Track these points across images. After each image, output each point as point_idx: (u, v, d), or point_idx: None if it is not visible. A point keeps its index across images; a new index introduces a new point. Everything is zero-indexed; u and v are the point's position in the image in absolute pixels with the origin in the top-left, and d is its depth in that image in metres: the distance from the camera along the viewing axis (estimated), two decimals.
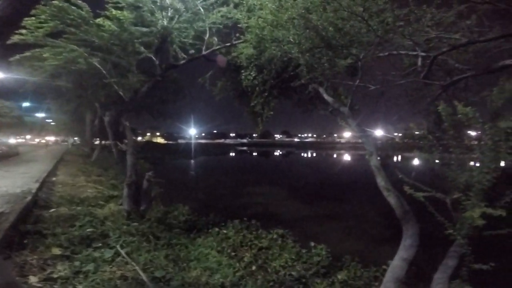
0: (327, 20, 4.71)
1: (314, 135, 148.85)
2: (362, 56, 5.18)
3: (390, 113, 6.40)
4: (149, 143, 65.48)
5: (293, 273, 5.43)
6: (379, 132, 7.44)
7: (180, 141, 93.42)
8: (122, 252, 4.57)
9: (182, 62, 8.32)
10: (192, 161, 44.52)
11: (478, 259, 3.71)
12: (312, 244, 6.62)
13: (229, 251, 6.21)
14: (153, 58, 7.78)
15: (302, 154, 66.84)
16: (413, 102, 5.68)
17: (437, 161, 4.15)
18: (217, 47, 8.09)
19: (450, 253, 4.02)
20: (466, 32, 4.60)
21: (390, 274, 4.49)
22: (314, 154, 66.93)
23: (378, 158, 5.33)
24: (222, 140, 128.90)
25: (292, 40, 5.35)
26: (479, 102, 4.20)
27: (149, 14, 7.33)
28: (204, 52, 7.98)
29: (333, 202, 14.90)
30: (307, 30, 5.02)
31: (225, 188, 18.67)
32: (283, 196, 16.37)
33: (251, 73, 6.71)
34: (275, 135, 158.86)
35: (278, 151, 79.68)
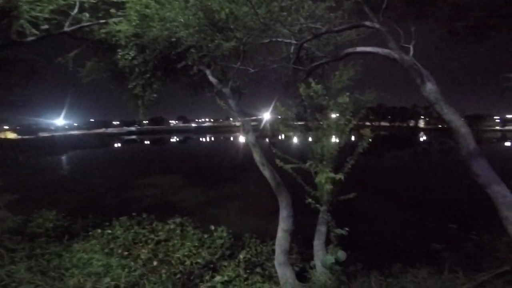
0: (220, 4, 4.76)
1: (212, 120, 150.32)
2: (244, 40, 5.36)
3: (272, 96, 7.04)
4: None
5: (199, 260, 5.37)
6: (266, 115, 8.03)
7: (42, 134, 73.94)
8: None
9: (30, 39, 6.39)
10: (63, 157, 36.05)
11: (344, 224, 4.48)
12: (212, 227, 6.68)
13: (119, 251, 5.64)
14: None
15: (200, 139, 66.46)
16: (285, 86, 6.36)
17: (310, 139, 4.78)
18: (87, 23, 6.60)
19: (319, 220, 4.69)
20: (330, 24, 5.50)
21: (278, 247, 4.90)
22: (212, 139, 67.82)
23: (267, 138, 5.77)
24: (102, 130, 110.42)
25: (183, 20, 5.13)
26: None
27: None
28: (67, 29, 6.36)
29: (230, 183, 15.58)
30: (199, 12, 4.94)
31: (109, 184, 16.46)
32: (179, 184, 15.89)
33: (130, 53, 5.91)
34: (171, 121, 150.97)
35: (175, 137, 76.15)
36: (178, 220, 7.09)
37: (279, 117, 5.04)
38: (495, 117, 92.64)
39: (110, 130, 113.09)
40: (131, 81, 6.21)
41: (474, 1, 6.77)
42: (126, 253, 5.65)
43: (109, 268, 4.76)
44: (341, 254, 4.13)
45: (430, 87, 4.68)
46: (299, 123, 4.84)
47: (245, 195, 12.85)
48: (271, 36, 5.85)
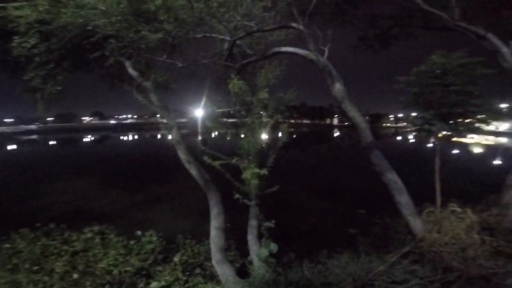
0: None
1: (135, 116, 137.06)
2: (174, 33, 5.14)
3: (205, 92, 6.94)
4: None
5: (128, 268, 5.01)
6: (199, 112, 7.86)
7: None
8: None
9: None
10: None
11: (274, 217, 4.74)
12: (139, 232, 6.25)
13: (27, 266, 4.98)
14: None
15: (122, 138, 60.02)
16: (216, 82, 6.40)
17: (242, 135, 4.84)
18: None
19: (250, 215, 4.86)
20: (264, 23, 5.75)
21: (213, 245, 4.90)
22: (136, 137, 62.11)
23: (199, 135, 5.64)
24: None
25: (104, 8, 4.65)
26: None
27: None
28: None
29: (157, 184, 14.67)
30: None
31: (4, 193, 13.49)
32: (95, 189, 14.15)
33: (30, 41, 5.00)
34: (84, 118, 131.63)
35: (89, 136, 66.71)
36: (96, 228, 6.35)
37: (210, 113, 5.02)
38: (390, 116, 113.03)
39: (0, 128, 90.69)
40: (27, 72, 5.25)
41: (383, 12, 8.14)
42: (35, 267, 5.02)
43: (18, 285, 4.35)
44: (273, 246, 4.33)
45: (338, 87, 5.42)
46: (231, 120, 4.93)
47: (175, 195, 12.32)
48: (206, 31, 5.78)
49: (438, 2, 5.73)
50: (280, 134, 4.79)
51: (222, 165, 4.64)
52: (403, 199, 5.19)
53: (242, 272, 4.70)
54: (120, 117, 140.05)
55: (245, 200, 4.62)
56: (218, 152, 4.76)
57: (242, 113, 4.61)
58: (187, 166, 5.12)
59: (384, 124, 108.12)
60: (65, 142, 53.95)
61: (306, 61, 5.60)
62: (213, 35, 5.88)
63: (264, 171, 4.37)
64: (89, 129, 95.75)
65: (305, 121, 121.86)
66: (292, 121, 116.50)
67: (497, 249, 4.39)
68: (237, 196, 4.55)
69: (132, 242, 5.92)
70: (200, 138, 5.65)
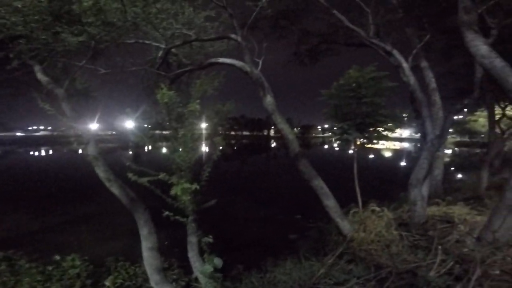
0: None
1: (49, 127, 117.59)
2: (99, 37, 4.65)
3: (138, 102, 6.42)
4: None
5: None
6: (129, 123, 7.24)
7: None
8: None
9: None
10: None
11: (218, 230, 4.60)
12: (58, 257, 5.44)
13: None
14: None
15: (31, 153, 50.56)
16: (147, 92, 6.00)
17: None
18: None
19: (188, 231, 4.63)
20: (205, 33, 5.66)
21: (148, 266, 4.53)
22: (51, 152, 53.19)
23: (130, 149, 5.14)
24: None
25: (20, 6, 3.97)
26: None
27: None
28: None
29: (78, 204, 12.82)
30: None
31: None
32: None
33: None
34: None
35: None
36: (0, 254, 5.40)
37: (139, 125, 4.60)
38: (318, 127, 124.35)
39: None
40: None
41: (314, 29, 8.92)
42: None
43: None
44: (217, 261, 4.21)
45: (269, 99, 5.70)
46: (166, 132, 4.63)
47: (101, 215, 10.95)
48: (139, 37, 5.40)
49: (358, 20, 6.53)
50: (217, 147, 4.71)
51: (152, 181, 4.27)
52: (330, 203, 5.63)
53: None
54: (30, 128, 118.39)
55: (177, 217, 4.32)
56: (152, 167, 4.42)
57: (173, 125, 4.38)
58: (107, 184, 4.63)
59: (313, 134, 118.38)
60: None
61: (245, 73, 5.72)
62: (147, 41, 5.55)
63: (195, 186, 4.14)
64: None
65: (245, 133, 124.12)
66: (233, 132, 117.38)
67: (414, 243, 4.83)
68: (167, 213, 4.24)
69: (50, 268, 5.16)
70: (130, 152, 5.15)
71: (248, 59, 5.61)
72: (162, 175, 4.20)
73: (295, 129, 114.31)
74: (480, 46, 4.11)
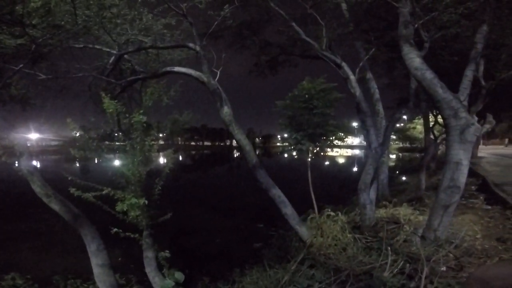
0: None
1: None
2: (41, 40, 4.26)
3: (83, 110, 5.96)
4: None
5: None
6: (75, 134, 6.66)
7: None
8: None
9: None
10: None
11: (180, 241, 4.38)
12: None
13: None
14: None
15: None
16: (95, 100, 5.61)
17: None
18: None
19: (143, 247, 4.39)
20: (163, 40, 5.48)
21: (101, 283, 4.24)
22: None
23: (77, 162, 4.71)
24: None
25: None
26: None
27: None
28: None
29: (16, 221, 11.35)
30: None
31: None
32: None
33: None
34: None
35: None
36: None
37: (83, 136, 4.15)
38: (278, 136, 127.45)
39: None
40: None
41: (274, 40, 9.15)
42: None
43: None
44: (179, 275, 4.06)
45: (226, 110, 5.71)
46: (118, 143, 4.34)
47: (43, 231, 9.86)
48: (88, 42, 5.03)
49: (314, 33, 6.87)
50: (169, 159, 4.54)
51: (100, 196, 3.95)
52: (288, 211, 5.77)
53: None
54: None
55: (127, 234, 4.07)
56: (101, 181, 4.10)
57: (120, 136, 4.15)
58: (45, 200, 4.20)
59: (274, 144, 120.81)
60: None
61: (202, 83, 5.66)
62: (97, 46, 5.20)
63: (143, 201, 3.92)
64: None
65: (206, 143, 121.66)
66: (193, 143, 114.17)
67: (367, 245, 4.99)
68: (115, 229, 3.98)
69: None
70: (78, 164, 4.73)
71: (206, 69, 5.57)
72: (106, 190, 3.93)
73: (256, 139, 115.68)
74: (414, 59, 4.44)
